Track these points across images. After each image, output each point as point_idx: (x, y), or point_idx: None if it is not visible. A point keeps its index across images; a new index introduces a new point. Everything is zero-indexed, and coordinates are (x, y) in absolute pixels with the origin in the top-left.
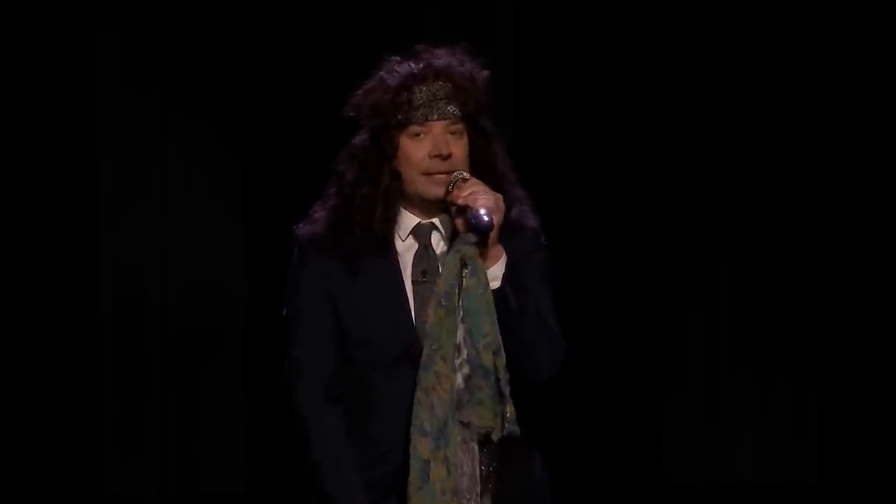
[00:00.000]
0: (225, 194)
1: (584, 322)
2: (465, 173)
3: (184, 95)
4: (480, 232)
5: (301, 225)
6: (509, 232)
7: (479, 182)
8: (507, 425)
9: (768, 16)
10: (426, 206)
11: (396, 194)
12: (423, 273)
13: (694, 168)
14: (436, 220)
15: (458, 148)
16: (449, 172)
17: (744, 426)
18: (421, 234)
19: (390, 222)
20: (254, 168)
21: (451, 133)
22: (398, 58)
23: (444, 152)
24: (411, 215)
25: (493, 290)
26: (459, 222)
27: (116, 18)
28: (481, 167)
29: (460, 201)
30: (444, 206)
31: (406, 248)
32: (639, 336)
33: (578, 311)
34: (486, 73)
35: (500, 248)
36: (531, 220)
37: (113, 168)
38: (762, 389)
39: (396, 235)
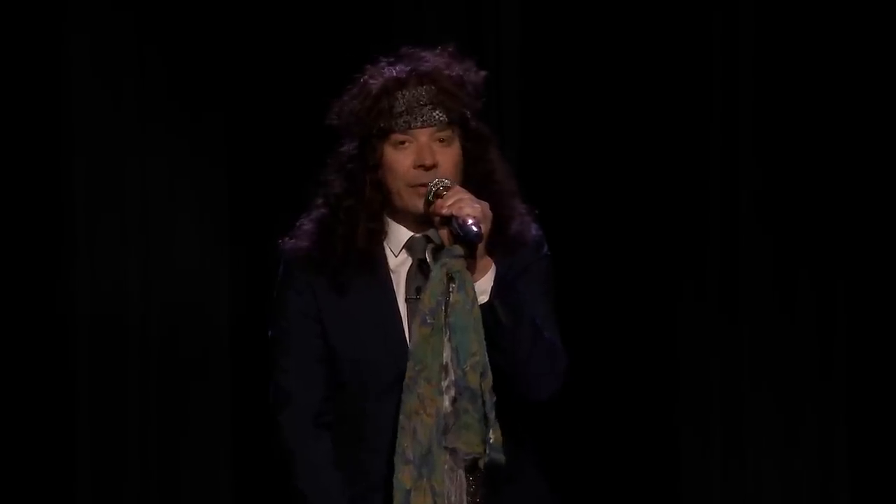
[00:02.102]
0: (209, 207)
1: (594, 348)
2: (446, 181)
3: (165, 99)
4: (468, 243)
5: (287, 239)
6: (511, 249)
7: (463, 189)
8: (489, 452)
9: (793, 16)
10: (416, 218)
11: (381, 207)
12: (418, 290)
13: (712, 177)
14: (430, 233)
15: (446, 156)
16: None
17: (767, 460)
18: (415, 248)
19: (375, 236)
20: (240, 179)
21: (440, 141)
22: (384, 61)
23: (427, 162)
24: (403, 229)
25: (482, 305)
26: (444, 233)
27: (91, 16)
28: (477, 177)
29: (444, 211)
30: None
31: (399, 263)
32: (653, 364)
33: (587, 334)
34: (481, 74)
35: (488, 259)
36: (533, 231)
37: (88, 178)
38: (788, 420)
39: (388, 250)
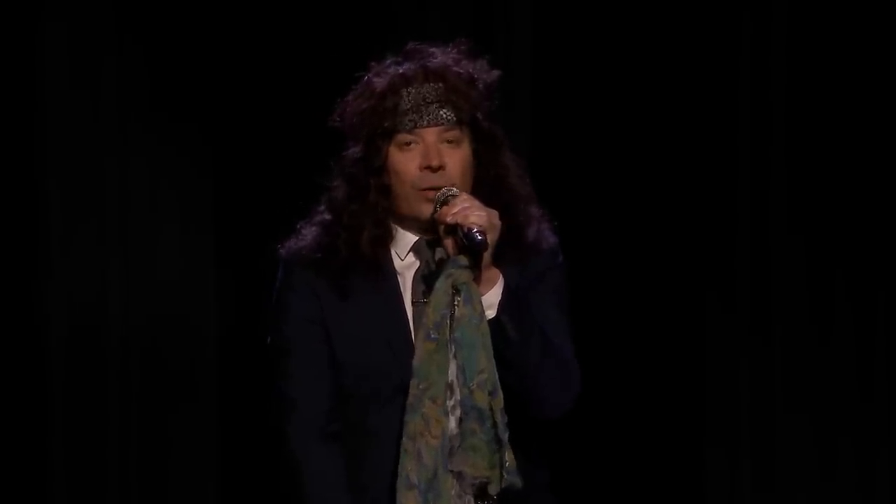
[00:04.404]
0: (193, 213)
1: (614, 366)
2: (454, 189)
3: (146, 98)
4: (473, 252)
5: (286, 243)
6: (525, 257)
7: (470, 197)
8: (505, 476)
9: (826, 14)
10: (422, 224)
11: (386, 212)
12: (425, 293)
13: (741, 184)
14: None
15: (454, 158)
16: (442, 187)
17: (801, 491)
18: (422, 250)
19: (381, 243)
20: (226, 183)
21: (448, 142)
22: (391, 59)
23: (434, 163)
24: (409, 234)
25: (489, 320)
26: (449, 243)
27: (68, 8)
28: (488, 182)
29: (449, 219)
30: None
31: (405, 266)
32: (678, 385)
33: (608, 351)
34: (494, 73)
35: (495, 271)
36: (550, 241)
37: (64, 183)
38: (824, 448)
39: (394, 253)
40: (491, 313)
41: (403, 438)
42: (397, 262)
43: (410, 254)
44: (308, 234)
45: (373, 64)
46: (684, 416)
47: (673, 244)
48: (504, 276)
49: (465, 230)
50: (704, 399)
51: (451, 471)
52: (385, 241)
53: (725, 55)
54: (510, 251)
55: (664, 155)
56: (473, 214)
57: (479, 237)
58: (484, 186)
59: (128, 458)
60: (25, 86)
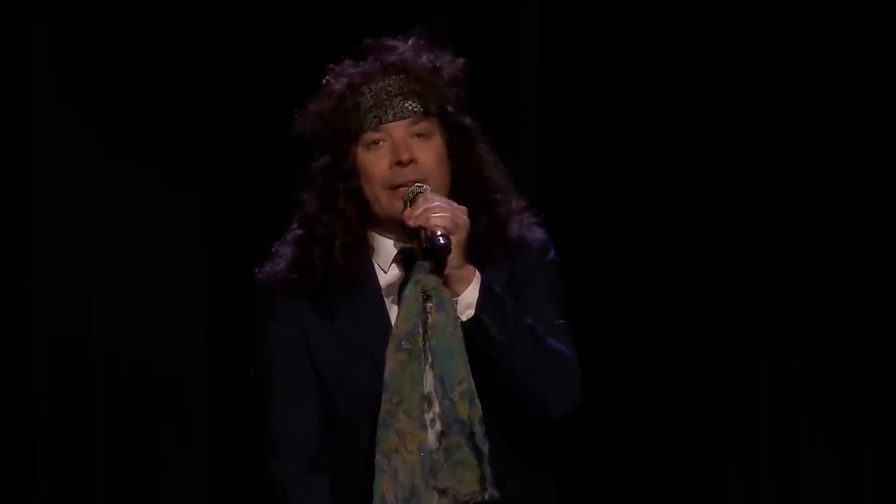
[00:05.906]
0: (183, 221)
1: (626, 383)
2: (422, 186)
3: (133, 105)
4: (435, 256)
5: (262, 267)
6: (510, 251)
7: (435, 196)
8: (487, 488)
9: (848, 15)
10: (401, 227)
11: (362, 219)
12: None
13: (761, 184)
14: None
15: (426, 151)
16: (417, 182)
17: None
18: (406, 260)
19: (354, 251)
20: (217, 190)
21: (417, 135)
22: (349, 59)
23: (404, 158)
24: (391, 241)
25: (469, 320)
26: (416, 245)
27: (51, 11)
28: (463, 174)
29: (411, 222)
30: None
31: (390, 278)
32: (695, 395)
33: (620, 359)
34: (459, 61)
35: (470, 269)
36: (538, 234)
37: (47, 191)
38: (847, 476)
39: (378, 267)
40: (470, 313)
41: (377, 456)
42: (382, 277)
43: (393, 266)
44: (283, 254)
45: (331, 66)
46: (701, 429)
47: (691, 250)
48: (492, 275)
49: (428, 233)
50: (721, 409)
51: (436, 488)
52: (358, 250)
53: (743, 60)
54: (496, 248)
55: (680, 153)
56: (435, 215)
57: (441, 241)
58: (461, 179)
59: (115, 477)
60: (9, 91)
